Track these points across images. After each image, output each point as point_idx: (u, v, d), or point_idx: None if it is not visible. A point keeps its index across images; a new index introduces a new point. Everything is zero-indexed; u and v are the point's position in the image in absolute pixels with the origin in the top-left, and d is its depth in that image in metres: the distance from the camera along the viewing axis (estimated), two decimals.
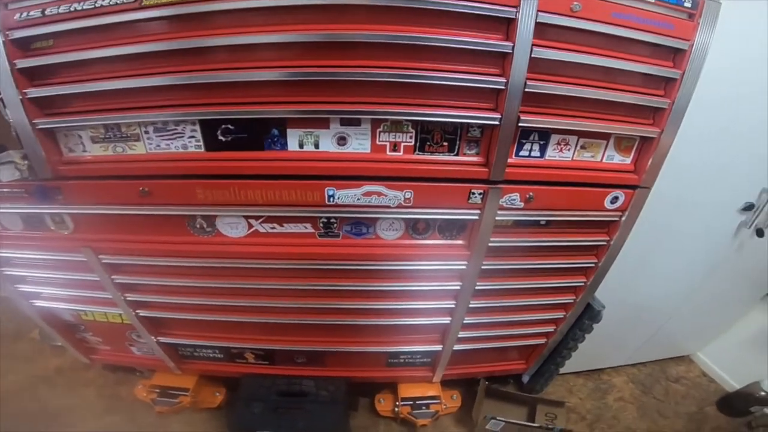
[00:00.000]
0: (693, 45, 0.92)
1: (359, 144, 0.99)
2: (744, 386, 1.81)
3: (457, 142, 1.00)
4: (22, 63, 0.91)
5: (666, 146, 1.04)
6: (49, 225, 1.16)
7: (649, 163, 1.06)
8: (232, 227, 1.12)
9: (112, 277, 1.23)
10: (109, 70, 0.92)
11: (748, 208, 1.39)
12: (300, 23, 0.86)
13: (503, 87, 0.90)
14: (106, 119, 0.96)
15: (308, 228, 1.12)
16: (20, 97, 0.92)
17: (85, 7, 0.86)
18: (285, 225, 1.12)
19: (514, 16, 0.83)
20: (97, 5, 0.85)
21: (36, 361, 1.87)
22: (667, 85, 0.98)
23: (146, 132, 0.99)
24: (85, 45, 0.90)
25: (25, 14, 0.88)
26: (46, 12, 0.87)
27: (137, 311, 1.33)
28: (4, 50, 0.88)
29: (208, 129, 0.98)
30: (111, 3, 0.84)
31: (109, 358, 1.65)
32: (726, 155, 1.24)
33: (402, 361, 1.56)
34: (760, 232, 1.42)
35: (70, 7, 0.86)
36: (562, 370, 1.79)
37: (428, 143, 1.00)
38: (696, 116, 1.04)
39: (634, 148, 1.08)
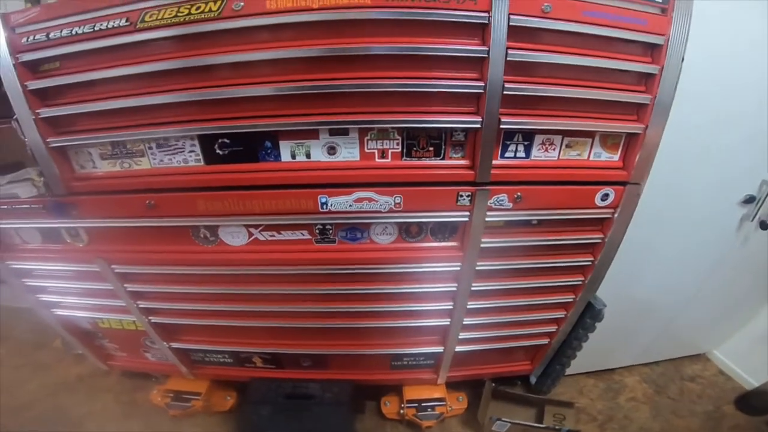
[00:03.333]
0: (669, 39, 0.93)
1: (348, 152, 1.04)
2: (763, 384, 1.75)
3: (443, 147, 1.03)
4: (33, 84, 0.98)
5: (653, 141, 1.04)
6: (66, 238, 1.24)
7: (637, 158, 1.06)
8: (234, 236, 1.18)
9: (125, 285, 1.30)
10: (113, 90, 0.99)
11: (749, 200, 1.37)
12: (287, 40, 0.92)
13: (482, 91, 0.93)
14: (111, 137, 1.04)
15: (305, 235, 1.17)
16: (33, 117, 1.00)
17: (85, 31, 0.93)
18: (283, 232, 1.17)
19: (486, 21, 0.86)
20: (96, 29, 0.92)
21: (57, 368, 1.96)
22: (647, 80, 0.99)
23: (150, 148, 1.06)
24: (88, 66, 0.97)
25: (31, 38, 0.95)
26: (50, 36, 0.95)
27: (149, 318, 1.40)
28: (15, 72, 0.96)
29: (207, 143, 1.04)
30: (108, 27, 0.92)
31: (126, 364, 1.73)
32: (723, 147, 1.23)
33: (405, 363, 1.58)
34: (763, 225, 1.40)
35: (72, 30, 0.93)
36: (572, 371, 1.78)
37: (415, 149, 1.03)
38: (690, 109, 1.05)
39: (621, 145, 1.09)
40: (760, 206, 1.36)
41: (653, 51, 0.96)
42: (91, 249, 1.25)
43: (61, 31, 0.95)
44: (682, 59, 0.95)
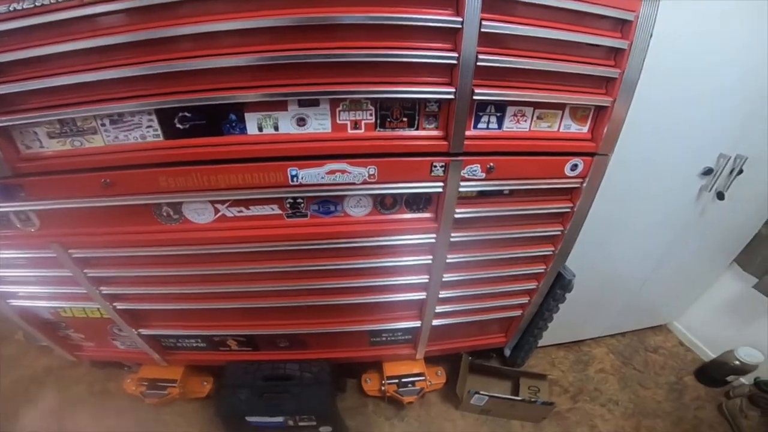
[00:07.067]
0: (638, 15, 0.93)
1: (319, 124, 1.00)
2: (719, 355, 1.88)
3: (416, 117, 1.01)
4: None
5: (620, 114, 1.06)
6: (15, 223, 1.15)
7: (605, 131, 1.08)
8: (199, 213, 1.13)
9: (84, 271, 1.23)
10: (58, 66, 0.91)
11: (708, 172, 1.44)
12: (252, 9, 0.86)
13: (455, 62, 0.91)
14: (58, 114, 0.95)
15: (275, 209, 1.13)
16: None
17: (25, 7, 0.84)
18: (251, 208, 1.13)
19: None
20: (37, 4, 0.84)
21: (22, 362, 1.88)
22: (616, 55, 1.00)
23: (103, 125, 0.99)
24: (30, 43, 0.88)
25: None
26: None
27: (114, 304, 1.34)
28: None
29: (165, 118, 0.97)
30: (51, 1, 0.83)
31: (95, 354, 1.66)
32: (684, 121, 1.27)
33: (384, 339, 1.59)
34: (720, 195, 1.47)
35: (9, 7, 0.84)
36: (544, 343, 1.85)
37: (388, 119, 1.01)
38: (653, 84, 1.06)
39: (590, 117, 1.10)
40: (717, 178, 1.43)
41: (623, 26, 0.97)
42: (44, 234, 1.16)
43: None
44: (651, 35, 0.97)
